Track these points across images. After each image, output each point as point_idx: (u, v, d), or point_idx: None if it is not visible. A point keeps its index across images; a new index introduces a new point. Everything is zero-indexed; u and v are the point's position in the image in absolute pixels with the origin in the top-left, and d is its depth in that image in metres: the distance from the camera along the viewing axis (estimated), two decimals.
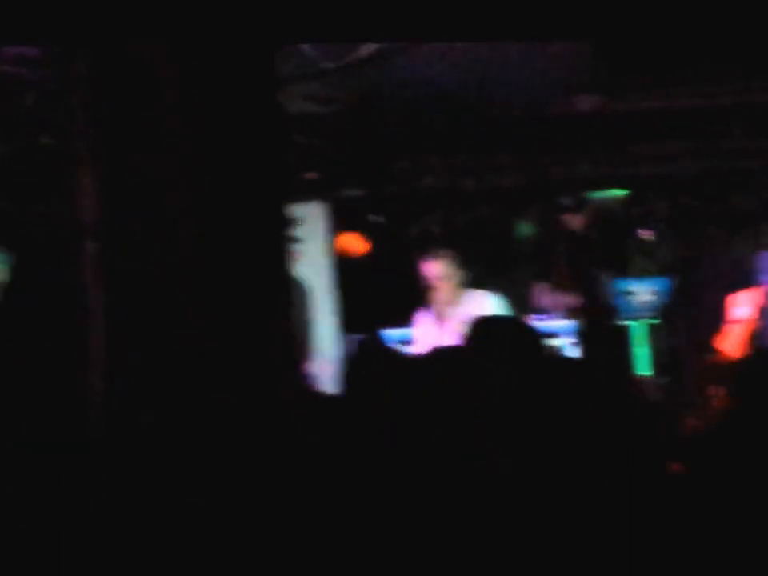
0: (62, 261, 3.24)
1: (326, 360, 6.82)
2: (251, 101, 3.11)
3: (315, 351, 6.74)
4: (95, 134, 3.08)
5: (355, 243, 7.96)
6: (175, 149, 3.04)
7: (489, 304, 6.37)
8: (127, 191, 3.07)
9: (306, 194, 7.05)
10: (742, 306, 6.06)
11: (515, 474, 2.84)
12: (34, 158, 5.89)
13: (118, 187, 3.09)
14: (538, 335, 3.58)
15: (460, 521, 2.78)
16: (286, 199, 3.23)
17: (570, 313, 7.21)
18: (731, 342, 5.98)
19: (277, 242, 3.17)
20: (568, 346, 6.80)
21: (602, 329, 7.15)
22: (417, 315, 6.61)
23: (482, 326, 3.67)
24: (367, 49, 5.71)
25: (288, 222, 3.30)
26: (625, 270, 7.68)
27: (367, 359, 3.80)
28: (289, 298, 3.24)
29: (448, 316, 6.36)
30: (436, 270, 6.39)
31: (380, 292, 7.63)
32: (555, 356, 5.50)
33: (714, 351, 6.18)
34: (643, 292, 7.06)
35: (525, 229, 8.10)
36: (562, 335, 6.80)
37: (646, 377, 6.79)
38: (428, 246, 7.07)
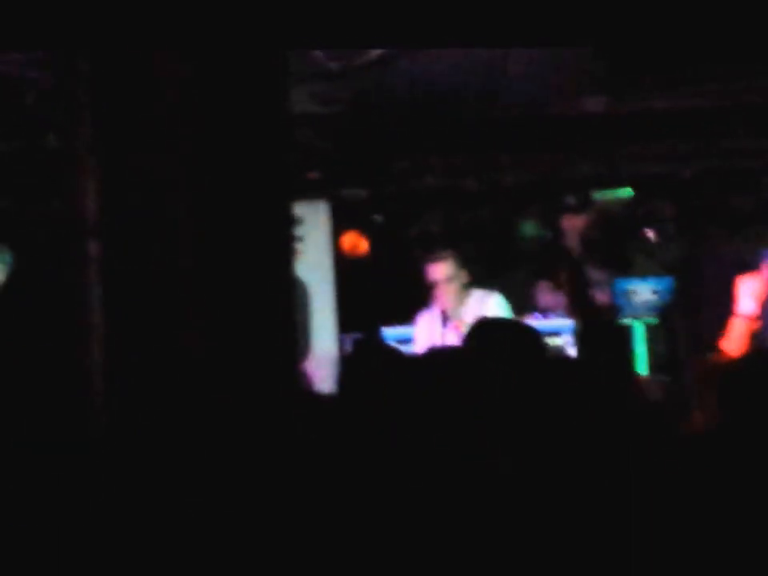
0: (62, 261, 3.24)
1: (324, 359, 6.82)
2: (253, 100, 3.10)
3: (314, 350, 6.75)
4: (96, 133, 3.08)
5: (356, 243, 7.96)
6: (176, 149, 3.04)
7: (492, 303, 6.38)
8: (128, 191, 3.07)
9: (306, 193, 7.05)
10: (747, 298, 6.05)
11: (515, 474, 2.84)
12: (34, 158, 5.89)
13: (118, 187, 3.08)
14: (538, 336, 3.58)
15: (460, 521, 2.78)
16: (289, 198, 3.23)
17: (572, 312, 7.20)
18: (734, 340, 5.97)
19: (279, 242, 3.17)
20: (569, 345, 6.80)
21: (602, 328, 7.15)
22: (420, 315, 6.60)
23: (482, 328, 3.66)
24: (372, 50, 5.71)
25: (290, 222, 3.30)
26: (627, 269, 7.67)
27: (365, 358, 3.80)
28: (291, 298, 3.23)
29: (453, 316, 6.36)
30: (441, 271, 6.40)
31: (380, 291, 7.63)
32: (555, 356, 5.50)
33: (715, 351, 6.17)
34: (645, 291, 7.05)
35: (528, 228, 8.09)
36: (563, 334, 6.80)
37: (646, 376, 6.79)
38: (429, 247, 7.08)
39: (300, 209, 6.70)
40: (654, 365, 6.98)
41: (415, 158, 7.61)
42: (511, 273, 7.60)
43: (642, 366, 6.90)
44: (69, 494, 2.96)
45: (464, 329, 5.99)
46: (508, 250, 8.08)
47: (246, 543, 2.92)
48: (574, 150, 7.57)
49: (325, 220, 7.47)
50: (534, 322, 6.89)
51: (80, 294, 3.10)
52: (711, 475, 2.84)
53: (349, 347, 7.14)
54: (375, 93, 6.50)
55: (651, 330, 7.04)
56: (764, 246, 6.49)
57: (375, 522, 2.85)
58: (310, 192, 7.18)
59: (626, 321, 7.04)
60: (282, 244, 3.18)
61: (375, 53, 5.76)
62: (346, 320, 7.36)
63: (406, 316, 6.88)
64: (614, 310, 7.15)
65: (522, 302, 6.89)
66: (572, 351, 6.74)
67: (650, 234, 8.01)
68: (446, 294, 6.39)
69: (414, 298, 6.82)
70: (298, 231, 6.64)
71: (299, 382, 3.43)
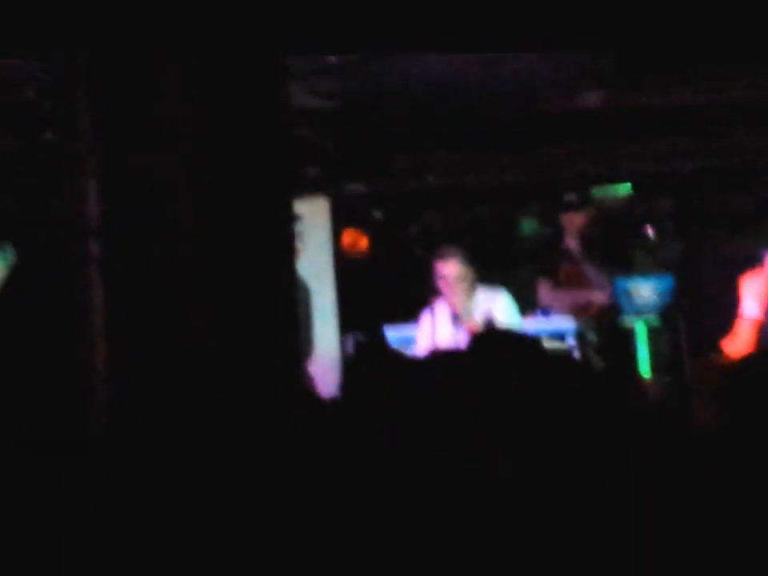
0: (63, 261, 3.23)
1: (325, 358, 6.81)
2: (253, 99, 3.10)
3: (315, 349, 6.73)
4: (96, 133, 3.08)
5: (356, 240, 7.95)
6: (176, 149, 3.04)
7: (500, 301, 6.37)
8: (128, 191, 3.07)
9: (306, 190, 7.04)
10: (752, 300, 6.04)
11: (515, 477, 2.84)
12: (34, 157, 5.88)
13: (118, 187, 3.08)
14: (536, 342, 3.57)
15: (460, 523, 2.78)
16: (289, 196, 3.23)
17: (573, 311, 7.19)
18: (739, 343, 5.97)
19: (279, 240, 3.16)
20: (570, 344, 6.79)
21: (604, 327, 7.14)
22: (425, 314, 6.57)
23: (483, 336, 3.65)
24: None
25: (291, 219, 3.30)
26: (627, 267, 7.66)
27: (368, 360, 3.79)
28: (292, 297, 3.23)
29: (464, 316, 6.35)
30: (450, 269, 6.38)
31: (380, 290, 7.62)
32: (555, 357, 5.49)
33: (718, 351, 6.17)
34: (646, 290, 7.04)
35: (528, 226, 8.09)
36: (564, 334, 6.79)
37: (647, 376, 6.78)
38: (430, 244, 7.06)
39: (300, 206, 6.67)
40: (656, 365, 6.97)
41: (415, 156, 7.60)
42: (511, 271, 7.59)
43: (642, 366, 6.90)
44: (69, 494, 2.96)
45: (474, 326, 6.00)
46: (508, 248, 8.06)
47: (245, 543, 2.91)
48: (573, 148, 7.56)
49: (325, 217, 7.45)
50: (535, 321, 6.89)
51: (81, 294, 3.10)
52: (712, 476, 2.84)
53: (350, 346, 7.13)
54: (375, 89, 6.49)
55: (652, 330, 7.03)
56: (764, 244, 6.48)
57: (375, 523, 2.85)
58: (310, 189, 7.16)
59: (627, 320, 7.03)
60: (282, 242, 3.17)
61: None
62: (347, 318, 7.35)
63: (407, 314, 6.87)
64: (613, 310, 7.14)
65: (523, 301, 6.87)
66: (573, 350, 6.74)
67: (650, 231, 8.00)
68: (454, 292, 6.37)
69: (414, 297, 6.80)
70: (298, 228, 6.62)
71: (301, 381, 3.42)
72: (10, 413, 3.46)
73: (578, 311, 7.20)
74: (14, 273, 5.31)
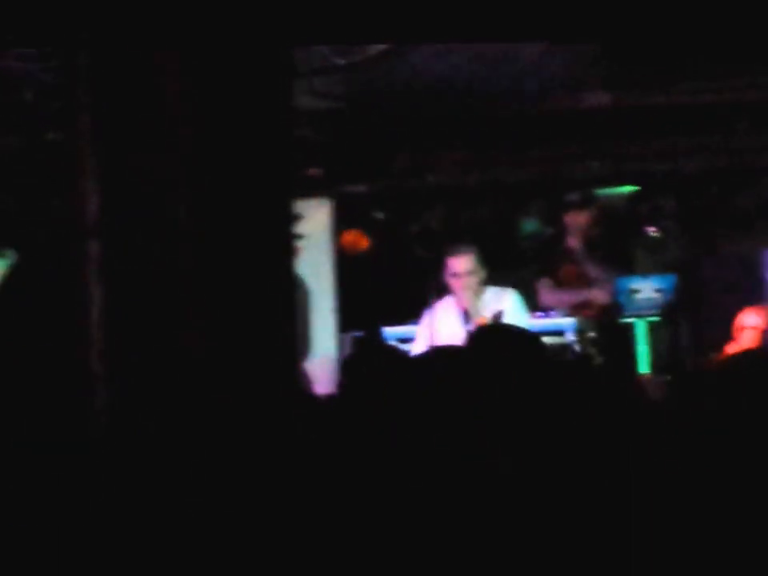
0: (63, 260, 3.23)
1: (324, 358, 6.81)
2: (254, 98, 3.09)
3: (314, 349, 6.74)
4: (96, 133, 3.07)
5: (356, 240, 7.95)
6: (176, 148, 3.03)
7: (508, 300, 6.37)
8: (128, 191, 3.06)
9: (307, 189, 7.04)
10: (752, 316, 6.06)
11: (515, 474, 2.83)
12: (34, 156, 5.88)
13: (118, 187, 3.07)
14: (537, 339, 3.56)
15: (459, 521, 2.78)
16: (290, 196, 3.23)
17: (574, 310, 7.19)
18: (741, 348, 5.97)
19: (279, 240, 3.16)
20: (571, 343, 6.79)
21: (605, 327, 7.14)
22: (430, 310, 6.54)
23: (484, 332, 3.65)
24: (374, 46, 5.70)
25: (291, 219, 3.29)
26: (630, 267, 7.66)
27: (366, 358, 3.79)
28: (291, 297, 3.22)
29: (474, 313, 6.34)
30: (463, 264, 6.38)
31: (380, 289, 7.62)
32: (556, 356, 5.49)
33: (719, 350, 6.17)
34: (648, 289, 7.03)
35: (529, 226, 8.08)
36: (566, 333, 6.79)
37: (648, 375, 6.78)
38: (434, 245, 7.05)
39: (301, 206, 6.68)
40: (656, 364, 6.97)
41: (416, 156, 7.60)
42: (512, 271, 7.58)
43: (643, 365, 6.89)
44: (69, 494, 2.95)
45: (483, 322, 5.99)
46: (509, 247, 8.06)
47: (245, 543, 2.91)
48: (576, 148, 7.55)
49: (325, 217, 7.46)
50: (537, 320, 6.89)
51: (80, 293, 3.09)
52: (714, 475, 2.83)
53: (349, 346, 7.13)
54: (377, 89, 6.48)
55: (653, 329, 7.03)
56: (766, 243, 6.49)
57: (375, 522, 2.85)
58: (310, 189, 7.16)
59: (628, 319, 7.03)
60: (282, 242, 3.17)
61: (378, 48, 5.75)
62: (346, 318, 7.35)
63: (407, 314, 6.87)
64: (615, 309, 7.14)
65: (525, 300, 6.87)
66: (575, 349, 6.73)
67: (652, 231, 7.99)
68: (465, 288, 6.36)
69: (414, 296, 6.80)
70: (299, 228, 6.62)
71: (299, 382, 3.42)
72: (9, 413, 3.46)
73: (579, 311, 7.19)
74: (14, 273, 5.31)
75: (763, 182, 7.73)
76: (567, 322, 6.93)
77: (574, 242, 7.52)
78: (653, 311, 7.02)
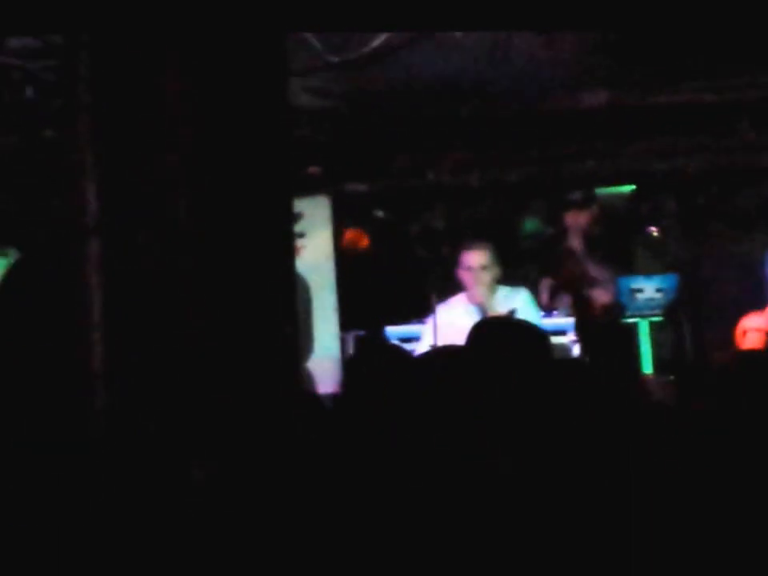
0: (63, 260, 3.22)
1: (326, 357, 6.80)
2: (253, 97, 3.09)
3: (315, 348, 6.73)
4: (96, 133, 3.06)
5: (358, 239, 7.94)
6: (176, 148, 3.02)
7: (521, 299, 6.37)
8: (127, 190, 3.06)
9: (307, 188, 7.03)
10: (755, 319, 6.05)
11: (515, 474, 2.83)
12: (34, 155, 5.88)
13: (118, 187, 3.07)
14: (542, 336, 3.55)
15: (459, 521, 2.77)
16: (290, 195, 3.22)
17: (575, 310, 7.19)
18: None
19: (279, 239, 3.15)
20: (572, 343, 6.78)
21: (607, 326, 7.14)
22: (442, 306, 6.51)
23: (486, 327, 3.64)
24: (372, 43, 5.70)
25: (292, 218, 3.29)
26: (631, 267, 7.66)
27: (368, 357, 3.79)
28: (292, 296, 3.22)
29: (489, 308, 6.32)
30: (478, 259, 6.37)
31: (381, 288, 7.62)
32: (558, 356, 5.48)
33: (721, 350, 6.16)
34: (649, 289, 7.03)
35: (531, 225, 8.08)
36: (567, 332, 6.78)
37: (651, 375, 6.77)
38: (435, 244, 7.04)
39: (301, 204, 6.67)
40: (659, 364, 6.96)
41: (417, 155, 7.59)
42: (514, 270, 7.58)
43: (646, 365, 6.89)
44: (69, 494, 2.95)
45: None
46: (510, 247, 8.05)
47: (246, 542, 2.90)
48: (577, 147, 7.54)
49: (326, 216, 7.45)
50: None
51: (80, 293, 3.09)
52: (716, 474, 2.83)
53: (350, 345, 7.12)
54: (377, 88, 6.48)
55: (655, 329, 7.03)
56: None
57: (375, 522, 2.84)
58: (311, 187, 7.16)
59: (630, 319, 7.03)
60: (282, 241, 3.16)
61: (375, 45, 5.75)
62: (347, 317, 7.34)
63: (408, 313, 6.86)
64: (617, 309, 7.13)
65: None
66: (576, 349, 6.73)
67: (653, 231, 7.99)
68: (479, 283, 6.35)
69: (415, 296, 6.80)
70: (299, 227, 6.61)
71: (300, 381, 3.42)
72: (9, 413, 3.45)
73: (581, 310, 7.19)
74: (14, 272, 5.29)
75: (764, 182, 7.72)
76: (568, 321, 6.92)
77: (574, 241, 7.52)
78: (654, 311, 7.01)
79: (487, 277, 6.38)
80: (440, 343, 6.12)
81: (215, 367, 3.02)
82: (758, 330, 6.08)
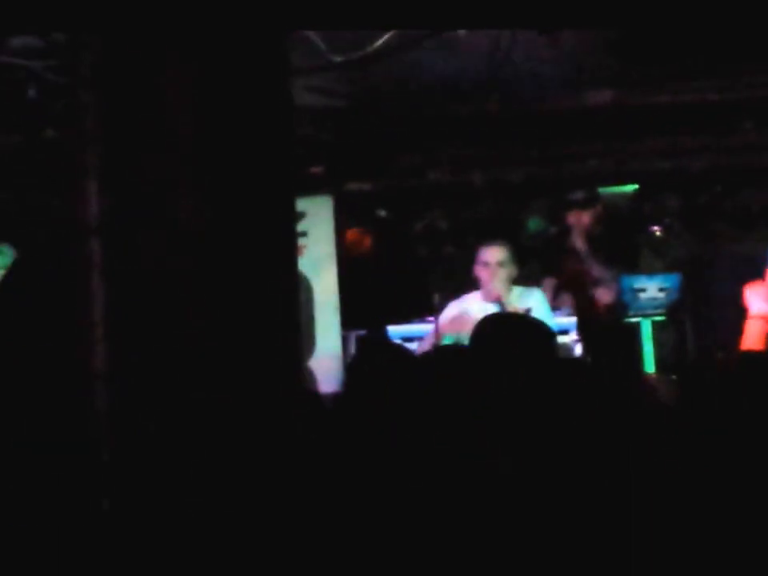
0: (63, 260, 3.22)
1: (327, 356, 6.80)
2: (255, 96, 3.08)
3: (318, 347, 6.73)
4: (98, 133, 3.06)
5: (360, 238, 7.94)
6: (178, 147, 3.02)
7: (536, 299, 6.37)
8: (129, 190, 3.06)
9: (310, 187, 7.03)
10: (759, 301, 6.03)
11: (515, 474, 2.82)
12: (35, 154, 5.88)
13: (119, 186, 3.07)
14: (548, 334, 3.53)
15: (459, 521, 2.77)
16: (292, 194, 3.22)
17: (578, 309, 7.18)
18: (750, 342, 5.94)
19: (283, 238, 3.15)
20: (575, 342, 6.77)
21: (609, 326, 7.13)
22: (462, 302, 6.49)
23: (491, 324, 3.62)
24: (375, 42, 5.70)
25: (294, 218, 3.29)
26: (634, 266, 7.65)
27: (370, 356, 3.78)
28: (294, 296, 3.21)
29: (505, 299, 6.32)
30: (495, 254, 6.38)
31: (383, 287, 7.61)
32: (561, 356, 5.47)
33: (725, 349, 6.14)
34: (652, 289, 7.02)
35: (534, 224, 8.07)
36: (570, 332, 6.78)
37: (654, 375, 6.76)
38: (438, 243, 7.02)
39: (303, 203, 6.67)
40: (661, 363, 6.95)
41: (420, 153, 7.59)
42: (516, 269, 7.56)
43: (648, 365, 6.88)
44: (68, 494, 2.95)
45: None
46: (513, 246, 8.05)
47: (247, 542, 2.90)
48: (581, 146, 7.54)
49: (328, 215, 7.44)
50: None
51: (82, 293, 3.09)
52: (717, 474, 2.82)
53: (353, 344, 7.12)
54: (380, 88, 6.47)
55: (658, 328, 7.02)
56: None
57: (375, 522, 2.84)
58: (313, 187, 7.15)
59: (633, 319, 7.02)
60: (285, 241, 3.16)
61: (378, 45, 5.75)
62: (350, 316, 7.34)
63: (409, 313, 6.86)
64: (619, 308, 7.12)
65: None
66: (579, 348, 6.72)
67: (657, 230, 7.98)
68: (496, 279, 6.34)
69: (417, 295, 6.79)
70: (301, 226, 6.61)
71: (301, 381, 3.41)
72: (9, 413, 3.45)
73: (584, 310, 7.18)
74: (14, 272, 5.29)
75: (767, 181, 7.71)
76: (571, 321, 6.92)
77: (577, 241, 7.51)
78: (657, 310, 7.01)
79: (504, 273, 6.39)
80: (451, 337, 6.11)
81: (215, 367, 3.02)
82: (761, 317, 6.06)
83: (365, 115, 6.87)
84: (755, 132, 7.29)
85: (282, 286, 3.16)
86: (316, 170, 7.20)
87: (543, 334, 3.47)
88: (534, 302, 6.37)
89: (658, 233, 7.98)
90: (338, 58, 5.85)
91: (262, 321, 3.08)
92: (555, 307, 7.20)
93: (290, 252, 3.23)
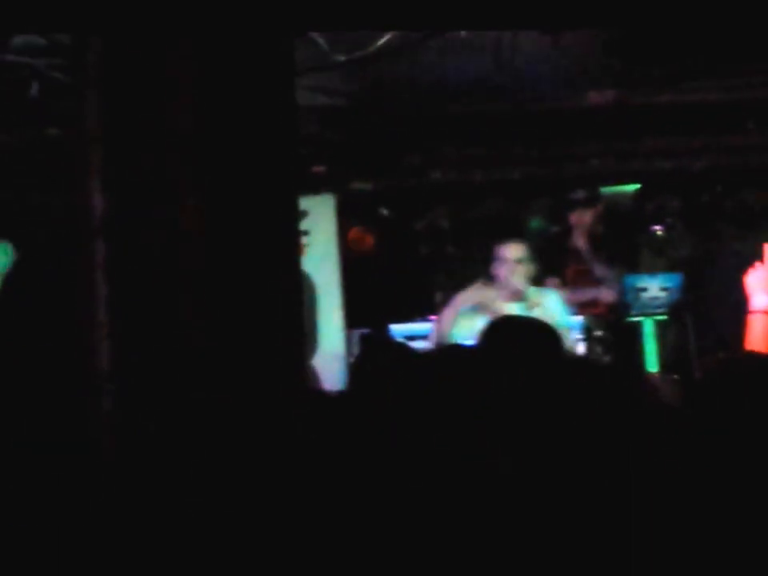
0: (66, 259, 3.22)
1: (330, 354, 6.80)
2: (258, 95, 3.08)
3: (321, 346, 6.73)
4: (102, 131, 3.06)
5: (363, 237, 7.94)
6: (182, 146, 3.02)
7: (553, 299, 6.37)
8: (132, 189, 3.05)
9: (312, 186, 7.03)
10: (759, 293, 6.00)
11: (515, 474, 2.82)
12: (38, 152, 5.88)
13: (124, 186, 3.06)
14: (554, 337, 3.54)
15: (458, 522, 2.77)
16: (295, 193, 3.22)
17: (580, 309, 7.18)
18: (755, 339, 5.92)
19: (286, 237, 3.15)
20: (577, 342, 6.78)
21: (611, 325, 7.14)
22: (482, 295, 6.47)
23: (494, 326, 3.63)
24: (378, 42, 5.70)
25: (297, 217, 3.28)
26: (635, 265, 7.66)
27: (374, 355, 3.78)
28: (297, 296, 3.21)
29: (526, 292, 6.31)
30: (514, 251, 6.38)
31: (386, 286, 7.62)
32: (565, 356, 5.46)
33: (726, 349, 6.14)
34: (654, 288, 7.03)
35: (536, 224, 8.07)
36: (573, 331, 6.78)
37: (656, 374, 6.76)
38: (440, 242, 7.02)
39: (306, 202, 6.67)
40: (664, 362, 6.96)
41: (422, 152, 7.59)
42: None
43: (651, 364, 6.89)
44: (68, 494, 2.95)
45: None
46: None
47: (248, 542, 2.90)
48: (582, 145, 7.54)
49: (331, 214, 7.45)
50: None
51: (85, 292, 3.09)
52: (717, 474, 2.82)
53: (356, 343, 7.12)
54: (383, 87, 6.48)
55: (660, 327, 7.02)
56: None
57: (375, 522, 2.84)
58: (316, 185, 7.16)
59: (635, 318, 7.02)
60: (288, 239, 3.16)
61: (381, 44, 5.75)
62: (352, 315, 7.34)
63: (412, 311, 6.86)
64: (621, 308, 7.13)
65: None
66: (581, 348, 6.73)
67: (658, 229, 7.98)
68: (514, 274, 6.34)
69: (420, 294, 6.80)
70: (304, 225, 6.61)
71: (304, 381, 3.41)
72: (10, 413, 3.45)
73: (586, 309, 7.19)
74: (16, 270, 5.30)
75: None
76: (574, 320, 6.92)
77: (579, 240, 7.52)
78: (659, 310, 7.01)
79: (521, 269, 6.39)
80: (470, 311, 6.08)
81: (216, 367, 3.02)
82: (764, 311, 6.03)
83: (367, 115, 6.87)
84: (757, 132, 7.29)
85: (285, 285, 3.16)
86: (318, 169, 7.20)
87: (545, 334, 3.48)
88: (551, 300, 6.38)
89: (659, 232, 7.98)
90: (341, 58, 5.86)
91: (264, 321, 3.07)
92: None
93: (293, 251, 3.22)
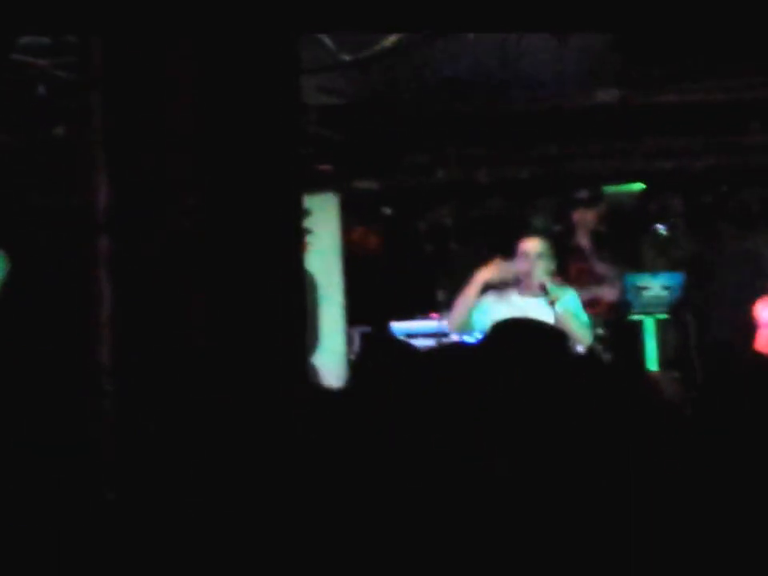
0: (71, 256, 3.23)
1: (332, 353, 6.81)
2: (263, 94, 3.09)
3: (323, 344, 6.73)
4: (106, 131, 3.07)
5: (366, 236, 7.95)
6: (186, 145, 3.03)
7: (569, 297, 6.38)
8: (138, 188, 3.06)
9: (316, 185, 7.04)
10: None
11: (512, 476, 2.83)
12: (41, 152, 5.88)
13: (127, 183, 3.07)
14: (559, 338, 3.54)
15: (458, 523, 2.78)
16: (299, 192, 3.22)
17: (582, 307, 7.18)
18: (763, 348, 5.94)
19: (289, 236, 3.15)
20: (598, 337, 6.78)
21: (612, 323, 7.14)
22: (504, 294, 6.47)
23: (495, 327, 3.64)
24: (383, 42, 5.71)
25: (301, 215, 3.29)
26: (638, 264, 7.66)
27: (375, 353, 3.78)
28: (300, 294, 3.22)
29: (548, 286, 6.32)
30: (534, 246, 6.38)
31: (389, 285, 7.62)
32: (566, 355, 5.46)
33: (727, 348, 6.15)
34: (656, 287, 7.03)
35: (539, 223, 8.08)
36: (591, 328, 6.78)
37: (657, 373, 6.77)
38: (443, 241, 7.01)
39: (309, 201, 6.68)
40: (665, 361, 6.96)
41: (426, 151, 7.60)
42: None
43: (652, 363, 6.89)
44: (69, 495, 2.95)
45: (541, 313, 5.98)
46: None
47: (248, 541, 2.91)
48: (585, 145, 7.55)
49: (334, 213, 7.46)
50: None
51: (89, 291, 3.09)
52: (722, 473, 2.83)
53: (357, 341, 7.12)
54: (387, 86, 6.49)
55: (661, 326, 7.02)
56: None
57: (374, 521, 2.85)
58: (319, 184, 7.17)
59: (636, 317, 7.02)
60: (292, 238, 3.17)
61: (386, 44, 5.76)
62: (355, 313, 7.35)
63: (414, 310, 6.86)
64: (623, 306, 7.13)
65: None
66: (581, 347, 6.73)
67: (661, 229, 7.98)
68: (536, 269, 6.35)
69: (422, 292, 6.80)
70: (307, 223, 6.62)
71: (305, 379, 3.41)
72: (10, 413, 3.45)
73: (587, 308, 7.19)
74: (18, 271, 5.31)
75: None
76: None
77: (582, 239, 7.52)
78: (661, 308, 7.01)
79: (541, 264, 6.40)
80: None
81: (216, 367, 3.02)
82: None
83: (372, 114, 6.88)
84: (759, 132, 7.30)
85: (288, 283, 3.17)
86: (323, 167, 7.21)
87: (546, 335, 3.48)
88: (569, 297, 6.40)
89: (662, 231, 7.98)
90: (347, 57, 5.87)
91: (265, 320, 3.08)
92: None
93: (296, 250, 3.23)
